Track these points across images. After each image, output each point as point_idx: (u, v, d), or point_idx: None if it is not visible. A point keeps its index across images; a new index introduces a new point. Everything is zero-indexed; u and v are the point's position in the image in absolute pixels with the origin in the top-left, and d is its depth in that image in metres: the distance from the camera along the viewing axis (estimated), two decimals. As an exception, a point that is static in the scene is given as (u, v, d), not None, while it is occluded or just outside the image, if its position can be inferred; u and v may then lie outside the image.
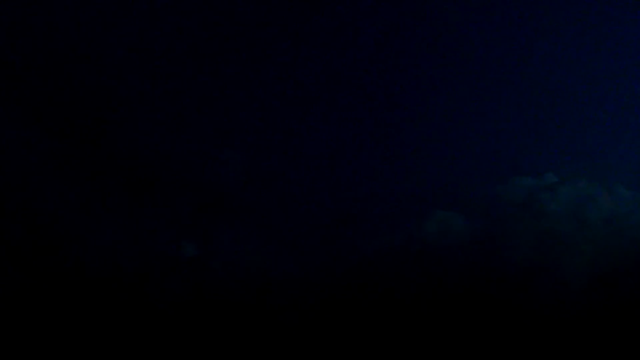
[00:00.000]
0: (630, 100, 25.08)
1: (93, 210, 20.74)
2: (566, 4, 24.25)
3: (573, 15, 24.14)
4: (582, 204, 24.63)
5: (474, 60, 24.15)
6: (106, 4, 19.93)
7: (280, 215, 22.18)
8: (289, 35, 21.16)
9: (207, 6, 19.95)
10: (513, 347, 21.57)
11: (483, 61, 24.33)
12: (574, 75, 25.40)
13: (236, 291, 21.52)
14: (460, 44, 23.46)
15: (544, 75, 24.99)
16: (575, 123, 25.82)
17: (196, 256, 21.59)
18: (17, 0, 18.97)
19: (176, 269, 21.39)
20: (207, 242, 21.73)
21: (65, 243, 20.57)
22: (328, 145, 22.85)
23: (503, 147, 25.27)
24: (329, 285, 22.30)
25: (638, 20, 24.12)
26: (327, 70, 22.01)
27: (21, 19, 19.66)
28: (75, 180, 20.58)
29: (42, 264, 20.20)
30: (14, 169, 19.76)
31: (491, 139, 25.28)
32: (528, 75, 25.11)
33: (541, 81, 25.14)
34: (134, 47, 19.94)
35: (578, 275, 23.26)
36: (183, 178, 21.59)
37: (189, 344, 20.82)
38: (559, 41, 24.66)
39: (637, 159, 24.82)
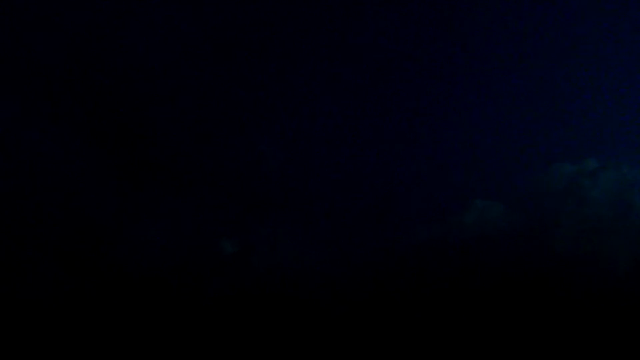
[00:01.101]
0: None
1: (136, 211, 20.81)
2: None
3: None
4: (624, 189, 24.04)
5: (511, 48, 23.53)
6: (137, 5, 19.72)
7: (319, 209, 22.02)
8: (327, 32, 20.79)
9: (241, 2, 19.62)
10: (558, 336, 21.27)
11: (520, 48, 23.69)
12: (614, 58, 24.63)
13: (277, 286, 21.49)
14: (501, 35, 22.86)
15: (583, 58, 24.27)
16: (616, 106, 25.10)
17: (237, 252, 21.57)
18: (54, 9, 18.85)
19: (217, 266, 21.40)
20: (247, 239, 21.69)
21: (110, 243, 20.71)
22: (366, 138, 22.57)
23: (542, 133, 24.72)
24: (369, 279, 22.16)
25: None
26: (363, 65, 21.66)
27: (55, 27, 19.58)
28: (119, 183, 20.66)
29: (89, 263, 20.38)
30: (60, 175, 19.88)
31: (530, 125, 24.72)
32: (567, 59, 24.41)
33: (580, 64, 24.44)
34: (170, 46, 19.76)
35: (622, 262, 22.78)
36: (222, 176, 21.51)
37: (232, 339, 20.90)
38: (598, 24, 23.88)
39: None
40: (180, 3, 19.54)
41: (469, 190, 23.58)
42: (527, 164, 24.22)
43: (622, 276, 22.67)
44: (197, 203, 21.47)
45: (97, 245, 20.67)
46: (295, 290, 21.44)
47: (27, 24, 19.94)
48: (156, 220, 21.19)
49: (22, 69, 20.15)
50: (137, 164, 21.11)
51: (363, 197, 22.60)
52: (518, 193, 24.34)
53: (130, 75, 19.90)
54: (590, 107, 24.92)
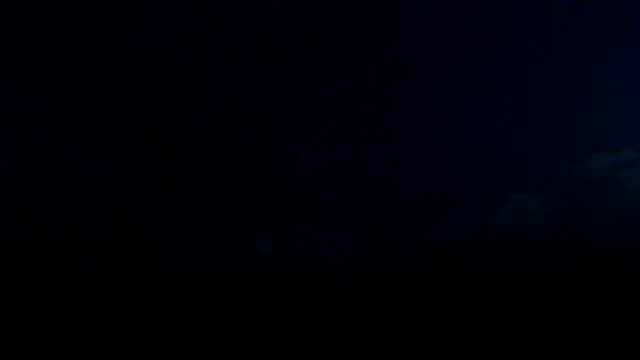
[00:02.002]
0: None
1: (171, 214, 21.00)
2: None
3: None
4: (663, 179, 23.56)
5: (546, 40, 22.98)
6: (170, 7, 19.65)
7: (353, 208, 21.97)
8: (359, 33, 20.51)
9: (279, 6, 19.44)
10: (600, 331, 21.10)
11: (555, 40, 23.12)
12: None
13: (315, 285, 21.60)
14: (535, 27, 22.35)
15: (622, 47, 23.61)
16: (655, 93, 24.44)
17: (272, 253, 21.68)
18: (80, 15, 18.88)
19: (255, 267, 21.56)
20: (283, 239, 21.77)
21: (147, 245, 20.98)
22: (398, 134, 22.32)
23: (578, 123, 24.21)
24: (407, 276, 22.14)
25: None
26: (393, 64, 21.35)
27: (87, 32, 19.64)
28: (154, 185, 20.81)
29: (129, 267, 20.72)
30: (100, 181, 20.12)
31: (565, 115, 24.22)
32: (602, 48, 23.78)
33: (618, 54, 23.78)
34: (205, 49, 19.70)
35: (661, 253, 22.42)
36: (255, 177, 21.54)
37: (269, 341, 21.13)
38: (636, 13, 23.16)
39: None
40: (212, 6, 19.43)
41: (503, 185, 23.29)
42: (563, 155, 23.81)
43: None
44: (231, 205, 21.57)
45: (136, 248, 20.96)
46: (334, 289, 21.53)
47: (54, 30, 20.03)
48: (192, 224, 21.37)
49: (56, 76, 20.31)
50: (173, 168, 21.25)
51: (398, 194, 22.48)
52: (554, 185, 23.99)
53: (165, 80, 19.94)
54: (628, 96, 24.33)
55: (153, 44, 19.71)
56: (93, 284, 20.11)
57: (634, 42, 23.99)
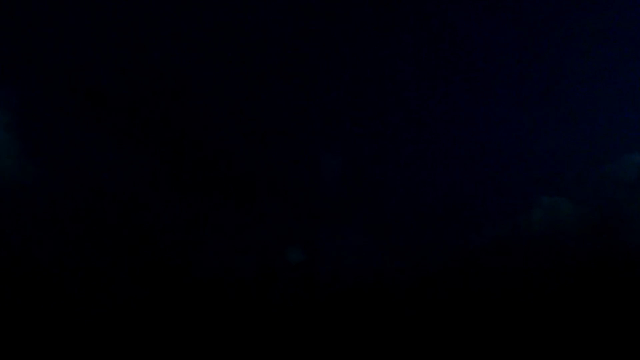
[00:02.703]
0: None
1: (201, 223, 21.09)
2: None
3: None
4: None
5: (575, 39, 22.56)
6: (195, 17, 19.69)
7: (383, 214, 21.84)
8: (387, 36, 20.34)
9: (298, 7, 19.34)
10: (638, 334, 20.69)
11: (584, 39, 22.68)
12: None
13: (344, 293, 21.53)
14: (566, 28, 21.96)
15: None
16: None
17: (303, 262, 21.65)
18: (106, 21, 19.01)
19: (284, 275, 21.56)
20: (313, 247, 21.72)
21: (177, 256, 21.10)
22: (427, 139, 22.13)
23: (609, 122, 23.73)
24: (437, 282, 21.95)
25: None
26: (422, 67, 21.13)
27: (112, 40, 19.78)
28: (183, 196, 20.93)
29: (159, 276, 20.87)
30: (127, 190, 20.29)
31: (596, 114, 23.76)
32: (635, 47, 23.26)
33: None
34: (231, 56, 19.70)
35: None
36: (284, 185, 21.53)
37: (300, 349, 21.11)
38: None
39: None
40: (233, 9, 19.38)
41: (534, 187, 22.95)
42: (594, 156, 23.38)
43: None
44: (260, 214, 21.59)
45: (167, 259, 21.10)
46: (365, 296, 21.44)
47: (73, 36, 20.20)
48: (220, 233, 21.44)
49: (80, 84, 20.50)
50: (201, 176, 21.33)
51: (427, 199, 22.29)
52: (586, 187, 23.56)
53: (191, 88, 20.00)
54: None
55: (177, 48, 19.78)
56: (125, 294, 20.30)
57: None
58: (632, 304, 21.15)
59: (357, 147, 21.39)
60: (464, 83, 21.88)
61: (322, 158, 21.58)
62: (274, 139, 21.31)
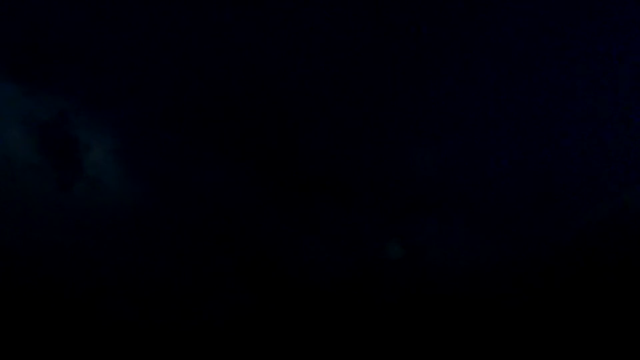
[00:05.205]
0: None
1: (302, 225, 21.22)
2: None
3: None
4: None
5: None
6: (283, 22, 19.19)
7: (481, 205, 21.32)
8: (483, 35, 19.35)
9: (388, 12, 18.56)
10: None
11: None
12: None
13: (449, 287, 21.38)
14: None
15: None
16: None
17: (403, 257, 21.53)
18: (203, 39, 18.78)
19: (386, 272, 21.55)
20: (413, 242, 21.52)
21: (281, 259, 21.39)
22: (520, 125, 21.23)
23: None
24: (541, 270, 21.47)
25: None
26: (512, 62, 20.12)
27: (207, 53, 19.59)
28: (281, 200, 21.02)
29: (265, 280, 21.29)
30: (228, 200, 20.58)
31: None
32: None
33: None
34: (319, 58, 19.25)
35: None
36: (380, 181, 21.24)
37: (403, 345, 21.25)
38: None
39: None
40: (328, 18, 18.78)
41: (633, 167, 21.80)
42: None
43: None
44: (358, 211, 21.48)
45: (270, 262, 21.42)
46: (468, 290, 21.22)
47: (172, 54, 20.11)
48: (320, 233, 21.51)
49: (172, 98, 20.56)
50: (296, 179, 21.30)
51: (524, 186, 21.58)
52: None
53: (281, 91, 19.75)
54: None
55: (266, 53, 19.45)
56: (237, 302, 20.82)
57: None
58: None
59: (454, 139, 20.77)
60: (555, 78, 20.75)
61: (417, 152, 21.09)
62: (367, 136, 20.93)
